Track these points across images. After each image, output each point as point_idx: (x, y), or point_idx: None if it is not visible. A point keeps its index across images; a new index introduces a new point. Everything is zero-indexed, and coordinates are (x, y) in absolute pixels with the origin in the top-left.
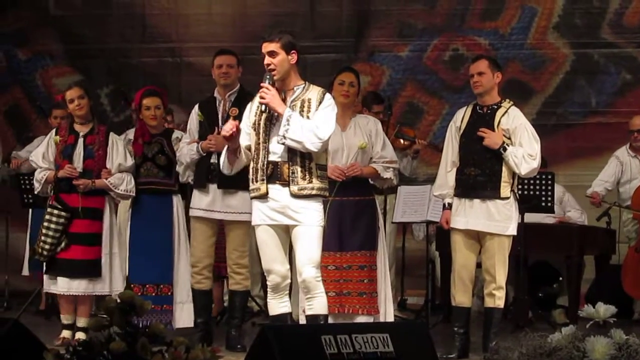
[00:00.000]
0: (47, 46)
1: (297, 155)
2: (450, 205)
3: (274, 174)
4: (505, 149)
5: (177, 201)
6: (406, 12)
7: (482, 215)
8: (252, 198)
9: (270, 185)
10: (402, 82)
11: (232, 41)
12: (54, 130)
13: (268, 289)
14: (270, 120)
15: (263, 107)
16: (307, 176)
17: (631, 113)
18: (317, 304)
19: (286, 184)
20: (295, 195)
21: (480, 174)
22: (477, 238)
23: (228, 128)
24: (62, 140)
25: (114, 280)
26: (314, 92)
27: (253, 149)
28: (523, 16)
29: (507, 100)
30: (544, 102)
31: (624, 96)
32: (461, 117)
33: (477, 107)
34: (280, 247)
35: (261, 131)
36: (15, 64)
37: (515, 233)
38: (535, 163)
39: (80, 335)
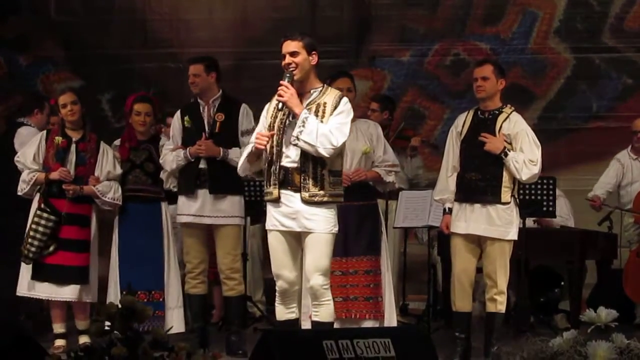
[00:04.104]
0: (48, 52)
1: (309, 162)
2: (450, 210)
3: (285, 180)
4: (506, 154)
5: (165, 208)
6: (407, 17)
7: (482, 220)
8: (265, 202)
9: (282, 191)
10: (403, 87)
11: (233, 46)
12: (44, 132)
13: (276, 294)
14: (285, 123)
15: (280, 105)
16: (319, 183)
17: (632, 117)
18: (324, 311)
19: (297, 189)
20: (306, 202)
21: (481, 178)
22: (478, 243)
23: (264, 141)
24: (62, 142)
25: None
26: (330, 96)
27: (267, 151)
28: (524, 21)
29: (509, 106)
30: (545, 106)
31: (625, 101)
32: (462, 122)
33: (479, 112)
34: (289, 253)
35: (275, 134)
36: (17, 70)
37: (516, 238)
38: (536, 169)
39: (84, 339)
